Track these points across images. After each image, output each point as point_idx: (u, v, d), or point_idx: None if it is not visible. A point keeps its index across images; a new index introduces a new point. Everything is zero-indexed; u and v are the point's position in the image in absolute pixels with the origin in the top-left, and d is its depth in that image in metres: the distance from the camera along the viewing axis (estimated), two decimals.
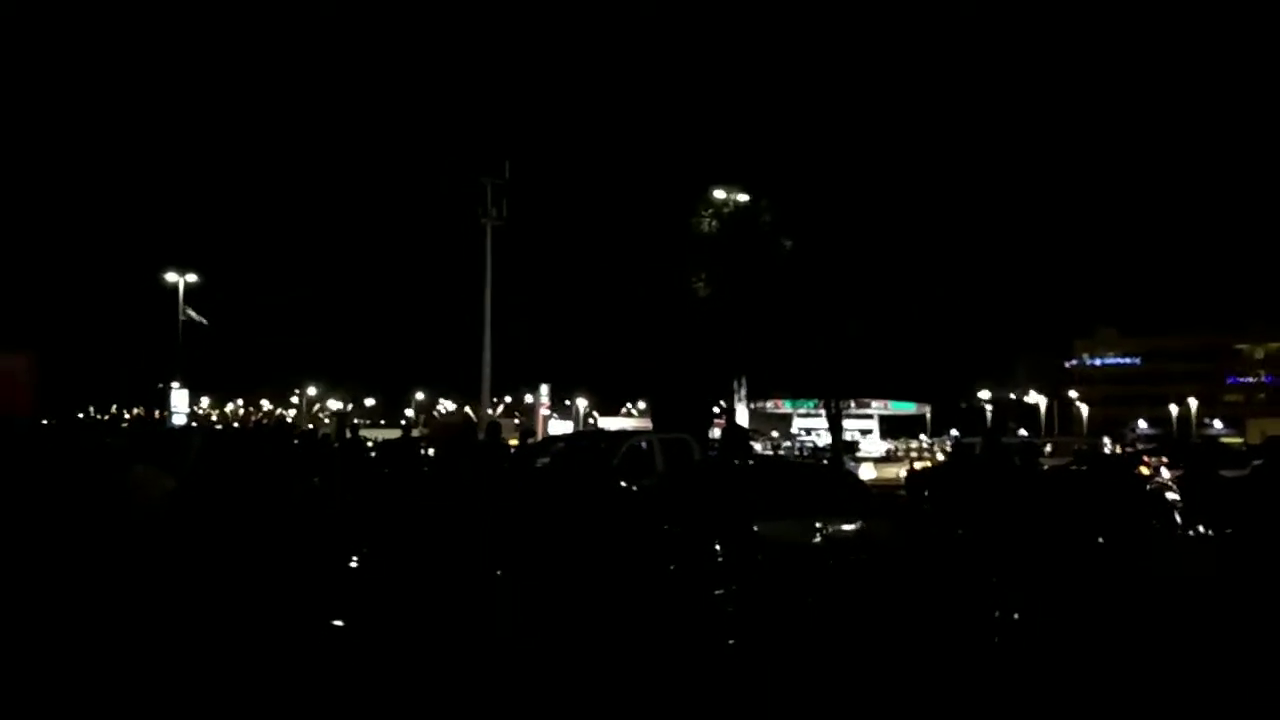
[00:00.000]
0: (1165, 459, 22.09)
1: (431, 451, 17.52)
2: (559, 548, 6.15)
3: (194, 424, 46.74)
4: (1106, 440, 47.92)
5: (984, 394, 79.91)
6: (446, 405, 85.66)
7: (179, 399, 40.30)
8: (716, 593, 6.44)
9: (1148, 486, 9.25)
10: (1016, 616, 6.40)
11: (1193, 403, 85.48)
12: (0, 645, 6.14)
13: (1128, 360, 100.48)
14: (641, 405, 79.29)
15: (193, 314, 41.94)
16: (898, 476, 29.18)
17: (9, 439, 11.94)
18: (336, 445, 18.73)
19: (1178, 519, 8.86)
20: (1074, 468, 16.07)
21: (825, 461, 28.58)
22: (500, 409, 72.29)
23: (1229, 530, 8.05)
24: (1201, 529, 8.31)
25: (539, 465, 11.96)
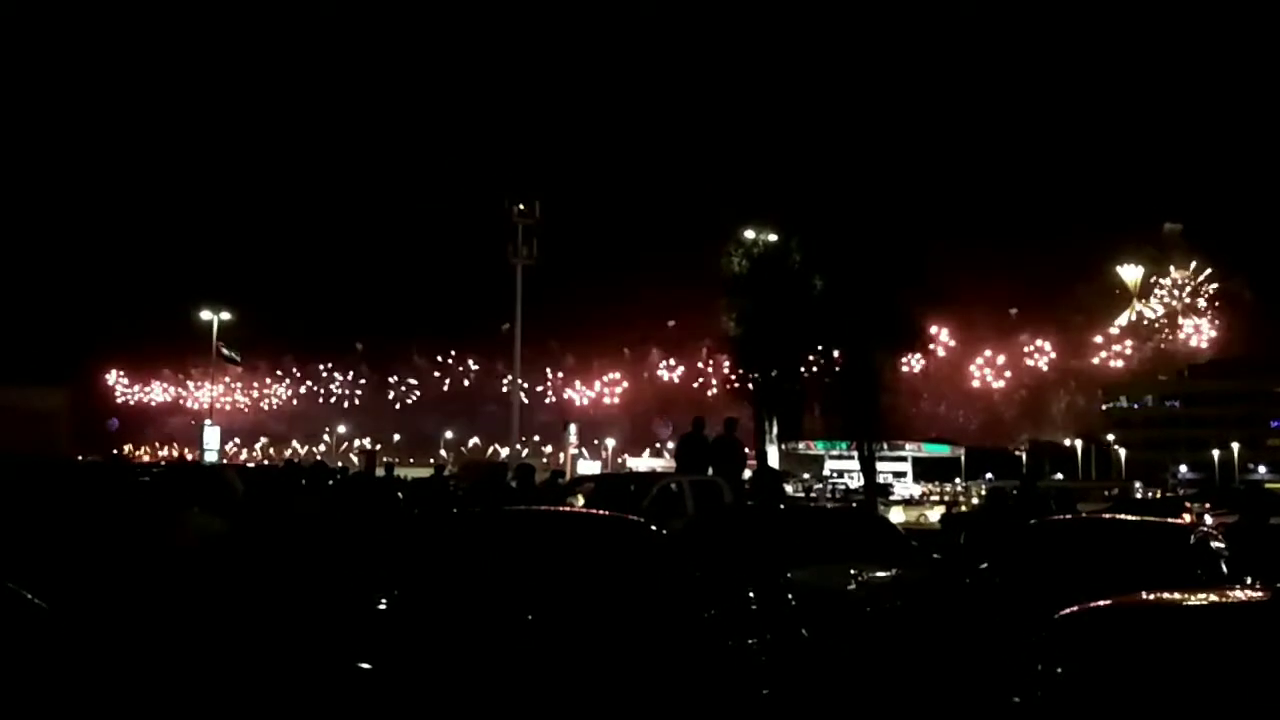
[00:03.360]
0: (1209, 505, 21.55)
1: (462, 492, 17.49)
2: (588, 594, 6.05)
3: (225, 461, 47.14)
4: (1138, 485, 47.03)
5: (1025, 446, 78.90)
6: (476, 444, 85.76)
7: (211, 436, 40.71)
8: (749, 641, 6.29)
9: (1192, 536, 8.97)
10: (1059, 670, 6.19)
11: (1235, 447, 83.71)
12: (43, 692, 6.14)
13: (1166, 403, 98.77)
14: (671, 445, 78.92)
15: (226, 352, 42.51)
16: (920, 519, 28.60)
17: (48, 481, 12.10)
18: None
19: (1224, 569, 8.58)
20: (1109, 515, 15.70)
21: (854, 504, 28.22)
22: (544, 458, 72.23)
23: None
24: (1249, 579, 8.03)
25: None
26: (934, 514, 34.09)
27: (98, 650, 6.11)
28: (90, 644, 6.11)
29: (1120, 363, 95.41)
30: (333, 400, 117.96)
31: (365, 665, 6.48)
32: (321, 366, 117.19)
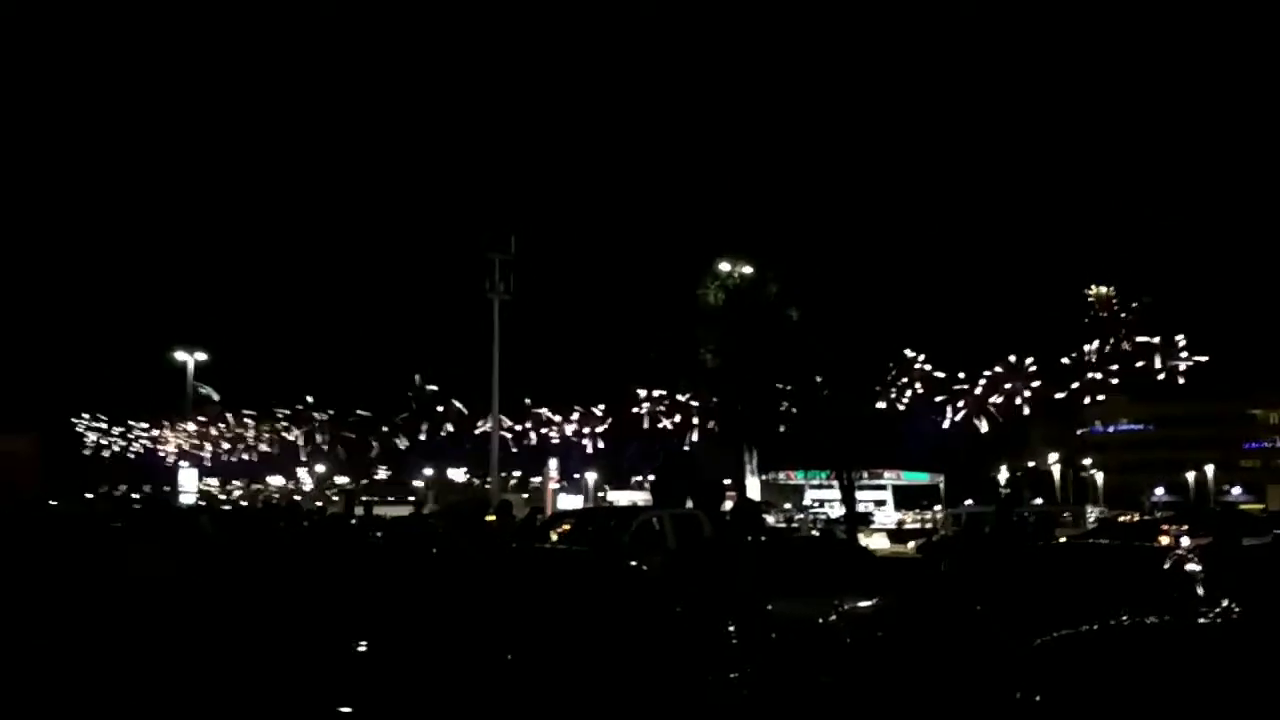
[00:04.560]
0: (1185, 527, 21.74)
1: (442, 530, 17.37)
2: (569, 632, 6.04)
3: (203, 502, 46.66)
4: (1090, 509, 47.14)
5: (1003, 472, 79.31)
6: (456, 475, 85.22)
7: (187, 477, 40.36)
8: (731, 675, 6.29)
9: (1168, 560, 9.07)
10: (1038, 699, 6.22)
11: (1209, 469, 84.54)
12: None
13: (1140, 426, 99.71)
14: (653, 479, 78.58)
15: (203, 390, 42.29)
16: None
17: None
18: (354, 522, 18.55)
19: (1199, 591, 8.67)
20: (1091, 540, 15.83)
21: (818, 533, 28.15)
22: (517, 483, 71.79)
23: (1255, 603, 7.85)
24: (1226, 602, 8.11)
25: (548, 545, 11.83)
26: (872, 541, 32.53)
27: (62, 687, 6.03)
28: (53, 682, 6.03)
29: (1101, 396, 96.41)
30: (310, 439, 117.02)
31: (345, 709, 6.43)
32: (299, 405, 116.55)
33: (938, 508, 62.97)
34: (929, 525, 46.51)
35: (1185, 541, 18.89)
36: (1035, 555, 9.91)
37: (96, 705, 6.14)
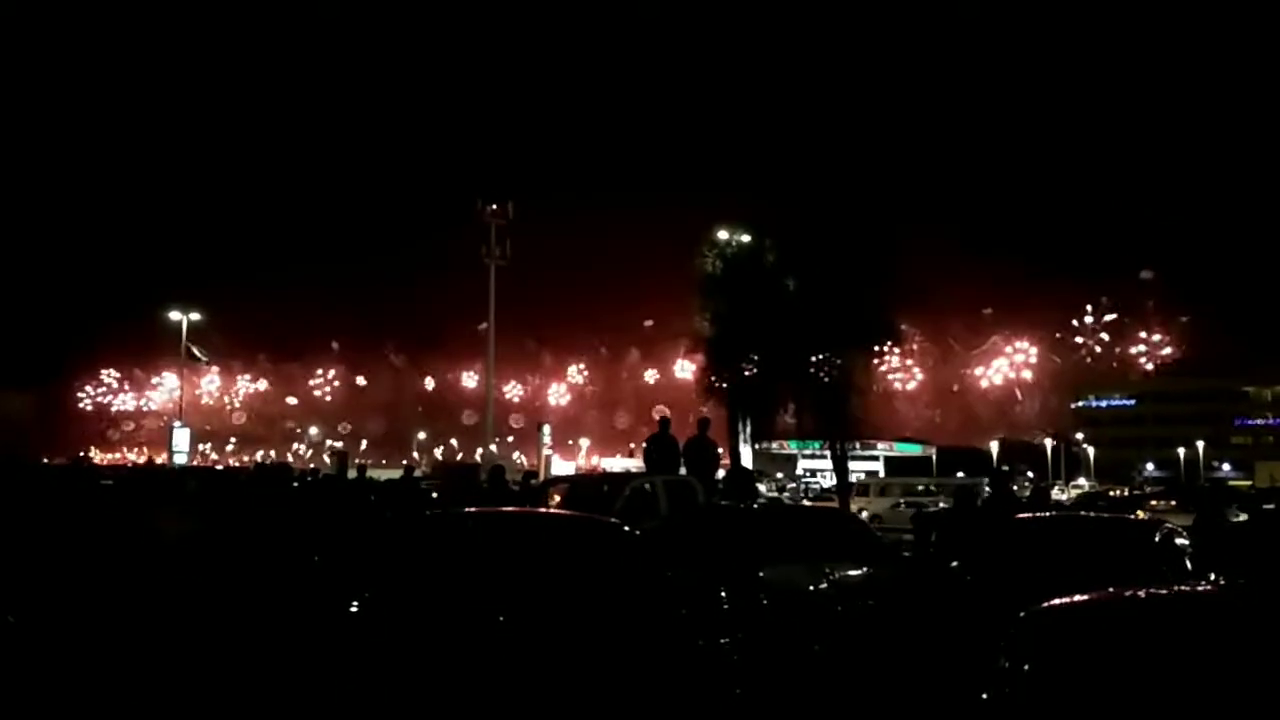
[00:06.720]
0: (1174, 503, 21.91)
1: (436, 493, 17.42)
2: (561, 595, 6.07)
3: (195, 463, 46.67)
4: (1058, 487, 46.88)
5: (994, 445, 79.64)
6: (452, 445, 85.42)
7: (181, 438, 40.36)
8: (722, 641, 6.33)
9: (1158, 533, 9.11)
10: (1027, 668, 6.26)
11: (1200, 445, 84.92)
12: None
13: (1133, 402, 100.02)
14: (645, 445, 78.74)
15: (195, 351, 42.15)
16: None
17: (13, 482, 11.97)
18: (347, 484, 18.49)
19: (1188, 565, 8.73)
20: (1083, 513, 15.93)
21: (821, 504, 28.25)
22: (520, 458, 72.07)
23: (1241, 578, 7.92)
24: (1213, 576, 8.17)
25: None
26: None
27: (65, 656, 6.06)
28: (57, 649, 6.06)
29: (1100, 365, 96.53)
30: (306, 401, 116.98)
31: (339, 668, 6.46)
32: (295, 366, 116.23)
33: (923, 480, 62.89)
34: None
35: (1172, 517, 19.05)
36: (1026, 527, 9.96)
37: (79, 668, 6.17)
